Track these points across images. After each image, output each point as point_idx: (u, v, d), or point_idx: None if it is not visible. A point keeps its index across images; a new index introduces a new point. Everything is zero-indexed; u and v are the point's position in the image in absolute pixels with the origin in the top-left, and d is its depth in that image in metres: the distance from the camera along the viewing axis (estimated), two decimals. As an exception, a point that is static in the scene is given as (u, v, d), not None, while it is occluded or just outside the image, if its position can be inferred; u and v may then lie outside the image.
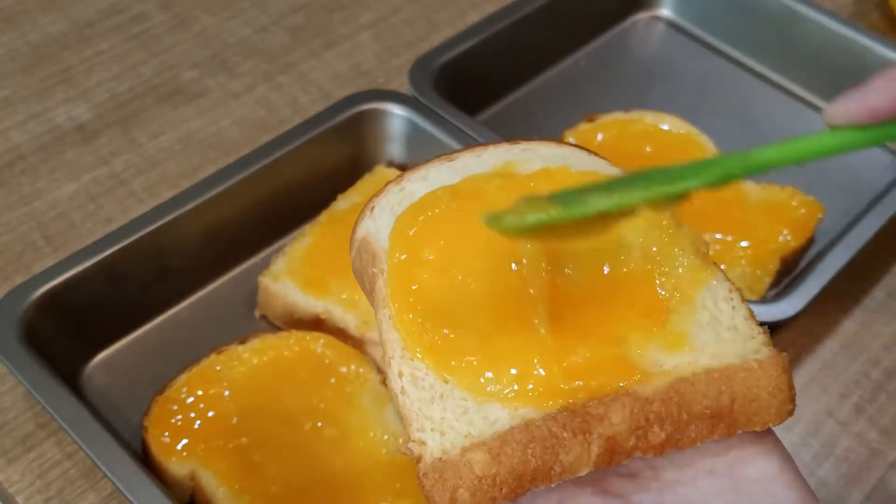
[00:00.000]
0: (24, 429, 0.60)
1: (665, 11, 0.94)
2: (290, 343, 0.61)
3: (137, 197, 0.72)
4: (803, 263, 0.71)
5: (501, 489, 0.32)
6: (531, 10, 0.83)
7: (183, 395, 0.58)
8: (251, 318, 0.67)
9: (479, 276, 0.37)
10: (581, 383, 0.34)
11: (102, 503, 0.57)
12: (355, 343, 0.62)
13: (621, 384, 0.34)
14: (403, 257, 0.37)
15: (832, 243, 0.68)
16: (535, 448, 0.33)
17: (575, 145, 0.43)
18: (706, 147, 0.75)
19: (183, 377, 0.59)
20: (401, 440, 0.35)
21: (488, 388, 0.34)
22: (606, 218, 0.33)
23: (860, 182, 0.79)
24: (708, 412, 0.34)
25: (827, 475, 0.61)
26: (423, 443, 0.34)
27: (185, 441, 0.56)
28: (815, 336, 0.68)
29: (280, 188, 0.70)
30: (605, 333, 0.35)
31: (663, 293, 0.37)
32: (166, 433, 0.57)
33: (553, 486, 0.33)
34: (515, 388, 0.34)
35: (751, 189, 0.73)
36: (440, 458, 0.33)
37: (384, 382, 0.60)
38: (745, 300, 0.37)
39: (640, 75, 0.89)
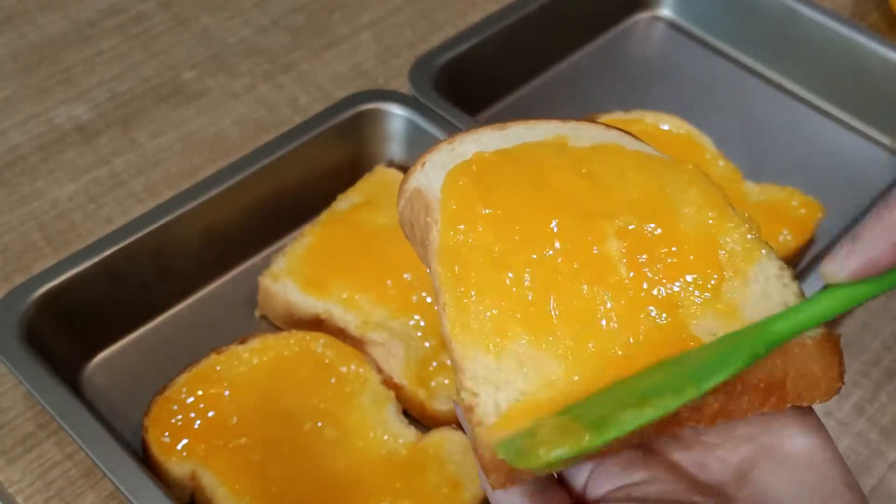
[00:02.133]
0: (24, 429, 0.60)
1: (665, 11, 0.94)
2: (290, 343, 0.61)
3: (137, 197, 0.72)
4: (803, 263, 0.71)
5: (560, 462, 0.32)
6: (531, 9, 0.83)
7: (183, 395, 0.58)
8: (251, 318, 0.67)
9: (535, 234, 0.36)
10: (639, 350, 0.34)
11: (102, 503, 0.57)
12: (355, 343, 0.62)
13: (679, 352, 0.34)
14: (457, 208, 0.37)
15: (832, 243, 0.68)
16: None
17: (622, 130, 0.43)
18: (706, 147, 0.75)
19: (183, 377, 0.59)
20: (454, 391, 0.35)
21: (544, 345, 0.34)
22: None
23: (860, 182, 0.79)
24: (762, 384, 0.34)
25: (827, 475, 0.61)
26: (475, 394, 0.33)
27: (185, 441, 0.56)
28: (815, 336, 0.68)
29: (280, 188, 0.70)
30: (664, 299, 0.35)
31: (719, 265, 0.36)
32: (166, 433, 0.57)
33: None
34: (573, 349, 0.34)
35: (751, 189, 0.73)
36: (499, 430, 0.32)
37: (384, 382, 0.61)
38: (796, 278, 0.37)
39: (640, 75, 0.89)
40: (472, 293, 0.35)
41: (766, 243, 0.38)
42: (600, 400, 0.33)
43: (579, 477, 0.35)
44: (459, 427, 0.59)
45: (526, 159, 0.39)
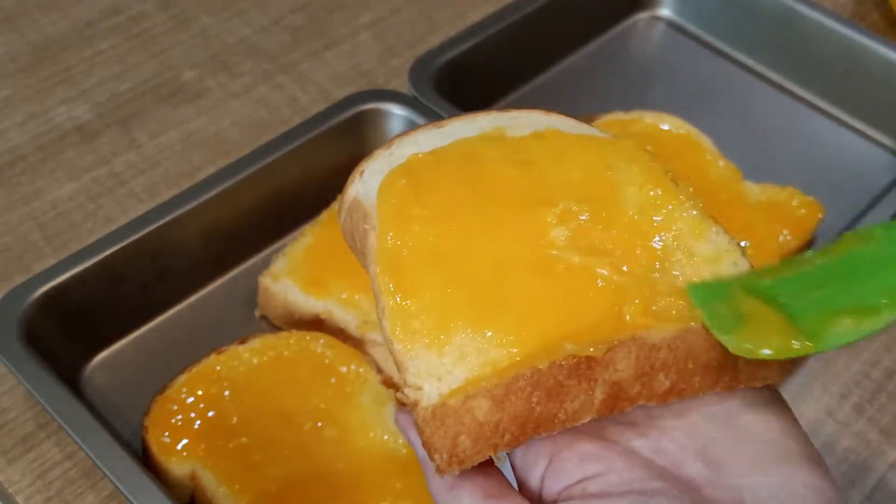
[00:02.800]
0: (24, 429, 0.60)
1: (665, 11, 0.94)
2: (290, 343, 0.61)
3: (137, 197, 0.72)
4: (803, 263, 0.71)
5: (504, 436, 0.32)
6: (531, 9, 0.83)
7: (183, 395, 0.58)
8: (251, 318, 0.67)
9: (474, 229, 0.36)
10: (585, 337, 0.33)
11: (102, 503, 0.57)
12: (355, 343, 0.62)
13: (626, 334, 0.33)
14: (393, 211, 0.37)
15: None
16: (539, 395, 0.32)
17: (563, 113, 0.42)
18: (706, 147, 0.75)
19: (183, 377, 0.59)
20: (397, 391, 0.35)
21: (487, 334, 0.34)
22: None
23: (860, 182, 0.79)
24: (714, 363, 0.33)
25: (827, 475, 0.61)
26: (419, 388, 0.33)
27: (185, 441, 0.56)
28: (815, 336, 0.68)
29: (280, 188, 0.70)
30: (610, 283, 0.35)
31: (664, 243, 0.36)
32: (166, 433, 0.57)
33: (555, 433, 0.33)
34: (518, 334, 0.34)
35: (751, 189, 0.73)
36: (441, 405, 0.32)
37: (384, 382, 0.61)
38: (746, 256, 0.37)
39: (640, 75, 0.89)
40: (411, 294, 0.35)
41: (714, 218, 0.37)
42: (786, 293, 0.33)
43: (535, 474, 0.34)
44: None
45: (462, 155, 0.39)
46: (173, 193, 0.67)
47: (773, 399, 0.35)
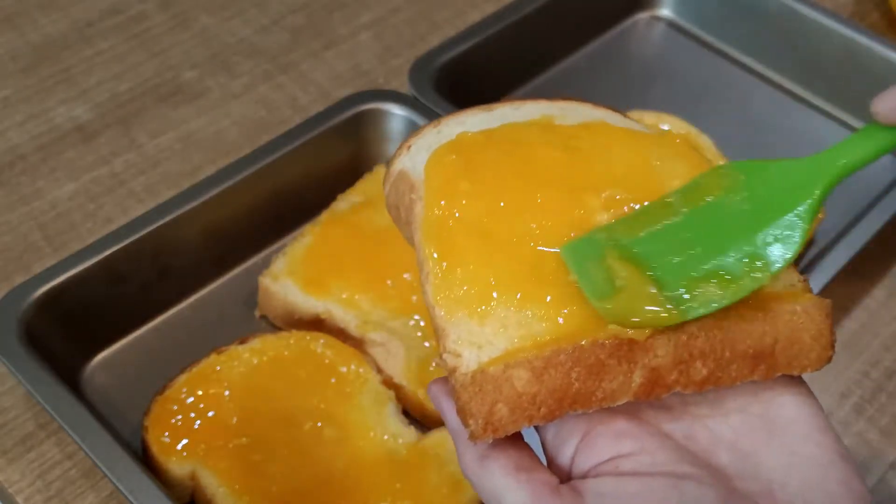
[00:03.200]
0: (24, 429, 0.60)
1: (665, 11, 0.94)
2: (290, 343, 0.61)
3: (137, 197, 0.72)
4: (803, 264, 0.71)
5: (540, 409, 0.32)
6: (531, 9, 0.83)
7: (183, 395, 0.58)
8: (251, 318, 0.67)
9: (520, 206, 0.36)
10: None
11: (102, 503, 0.57)
12: (355, 343, 0.62)
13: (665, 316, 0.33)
14: (442, 183, 0.37)
15: (832, 243, 0.68)
16: (579, 372, 0.32)
17: (611, 108, 0.43)
18: (706, 147, 0.75)
19: (183, 377, 0.59)
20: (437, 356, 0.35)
21: (529, 309, 0.34)
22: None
23: (860, 182, 0.78)
24: (751, 351, 0.33)
25: (827, 475, 0.61)
26: (458, 355, 0.33)
27: (185, 441, 0.56)
28: (815, 336, 0.68)
29: (280, 188, 0.70)
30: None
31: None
32: (166, 433, 0.57)
33: (591, 411, 0.33)
34: (559, 312, 0.34)
35: (751, 189, 0.73)
36: (481, 371, 0.32)
37: (384, 382, 0.61)
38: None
39: (640, 75, 0.89)
40: (455, 262, 0.35)
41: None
42: (655, 253, 0.34)
43: (566, 450, 0.34)
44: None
45: (511, 137, 0.39)
46: (173, 193, 0.67)
47: (806, 394, 0.35)
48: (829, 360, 0.35)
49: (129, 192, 0.73)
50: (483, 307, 0.34)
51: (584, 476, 0.33)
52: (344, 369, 0.60)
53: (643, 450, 0.33)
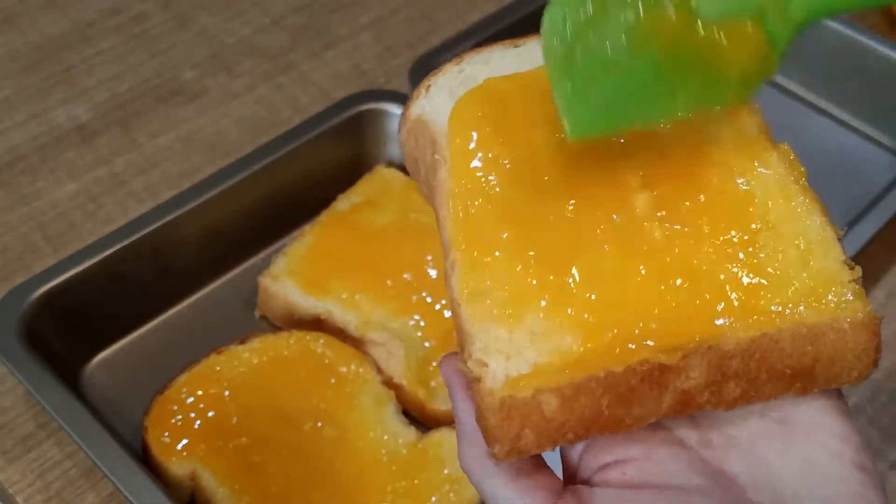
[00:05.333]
0: (24, 429, 0.60)
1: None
2: (290, 343, 0.61)
3: (137, 197, 0.72)
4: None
5: (566, 434, 0.31)
6: (531, 10, 0.83)
7: (183, 395, 0.58)
8: (251, 318, 0.67)
9: (555, 183, 0.33)
10: (663, 329, 0.31)
11: (102, 503, 0.57)
12: (355, 343, 0.62)
13: (701, 334, 0.31)
14: (470, 147, 0.33)
15: (832, 243, 0.68)
16: (609, 399, 0.30)
17: None
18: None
19: (183, 377, 0.59)
20: (462, 356, 0.32)
21: (561, 316, 0.31)
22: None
23: (860, 182, 0.79)
24: (788, 372, 0.31)
25: (827, 475, 0.61)
26: (484, 364, 0.31)
27: (185, 441, 0.56)
28: (815, 336, 0.68)
29: (280, 188, 0.70)
30: (688, 268, 0.32)
31: (754, 225, 0.33)
32: (166, 433, 0.57)
33: (617, 435, 0.31)
34: (592, 322, 0.31)
35: (751, 189, 0.73)
36: (510, 396, 0.30)
37: (384, 382, 0.60)
38: (839, 237, 0.33)
39: (640, 75, 0.89)
40: (486, 253, 0.32)
41: (810, 193, 0.34)
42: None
43: (573, 452, 0.33)
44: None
45: (543, 88, 0.33)
46: (173, 193, 0.67)
47: (831, 399, 0.33)
48: (869, 376, 0.32)
49: (129, 192, 0.73)
50: (513, 312, 0.31)
51: (591, 477, 0.32)
52: (344, 369, 0.60)
53: (652, 456, 0.32)
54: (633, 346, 0.31)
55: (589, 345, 0.31)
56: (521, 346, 0.31)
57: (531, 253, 0.32)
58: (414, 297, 0.63)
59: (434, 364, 0.62)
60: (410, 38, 0.86)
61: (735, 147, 0.34)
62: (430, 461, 0.57)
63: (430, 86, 0.37)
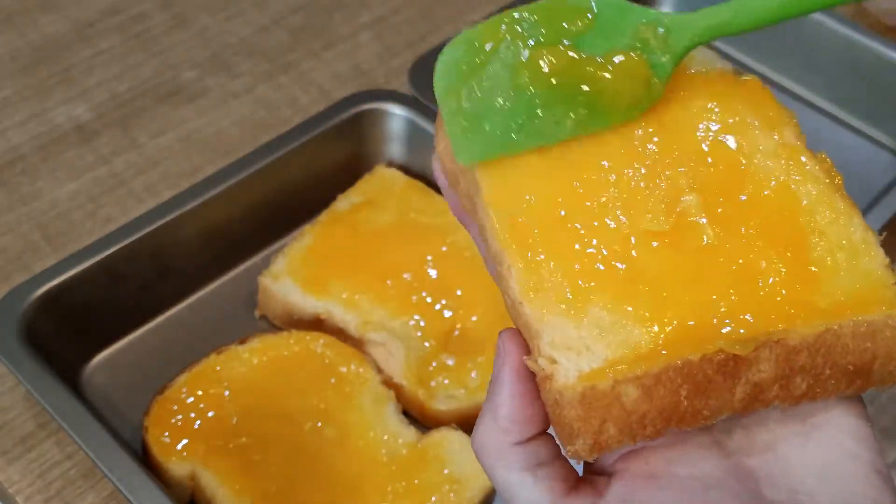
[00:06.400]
0: (24, 429, 0.60)
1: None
2: (290, 343, 0.61)
3: (137, 197, 0.72)
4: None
5: (646, 428, 0.30)
6: (531, 10, 0.82)
7: (183, 395, 0.58)
8: (251, 318, 0.67)
9: (602, 182, 0.34)
10: (732, 321, 0.32)
11: (102, 503, 0.57)
12: (355, 343, 0.62)
13: (773, 329, 0.32)
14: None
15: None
16: (688, 389, 0.30)
17: None
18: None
19: (183, 377, 0.59)
20: (531, 355, 0.32)
21: (626, 308, 0.31)
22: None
23: (860, 182, 0.79)
24: (851, 368, 0.32)
25: (827, 475, 0.61)
26: (554, 361, 0.31)
27: (185, 441, 0.56)
28: (815, 336, 0.68)
29: (280, 188, 0.70)
30: (747, 263, 0.33)
31: (802, 228, 0.34)
32: (166, 433, 0.57)
33: (693, 428, 0.31)
34: (656, 312, 0.31)
35: (751, 189, 0.73)
36: (591, 387, 0.30)
37: (384, 382, 0.60)
38: (880, 241, 0.34)
39: (640, 75, 0.89)
40: (541, 252, 0.32)
41: (848, 198, 0.35)
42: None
43: None
44: (459, 427, 0.59)
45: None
46: (173, 193, 0.67)
47: (852, 402, 0.33)
48: None
49: (129, 192, 0.73)
50: (577, 305, 0.31)
51: (611, 464, 0.32)
52: (344, 369, 0.60)
53: (675, 447, 0.32)
54: (700, 339, 0.31)
55: (661, 336, 0.31)
56: (591, 341, 0.31)
57: (588, 251, 0.32)
58: (414, 297, 0.63)
59: (434, 364, 0.62)
60: (410, 38, 0.86)
61: (776, 154, 0.35)
62: (430, 461, 0.57)
63: None
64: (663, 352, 0.31)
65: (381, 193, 0.70)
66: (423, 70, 0.76)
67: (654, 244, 0.33)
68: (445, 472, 0.56)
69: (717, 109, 0.37)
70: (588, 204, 0.33)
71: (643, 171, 0.34)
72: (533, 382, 0.32)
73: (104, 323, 0.65)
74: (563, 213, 0.33)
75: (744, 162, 0.35)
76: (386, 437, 0.58)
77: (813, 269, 0.33)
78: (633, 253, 0.33)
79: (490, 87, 0.33)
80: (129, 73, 0.82)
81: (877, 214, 0.68)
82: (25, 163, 0.75)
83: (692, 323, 0.32)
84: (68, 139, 0.77)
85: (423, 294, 0.64)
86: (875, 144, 0.83)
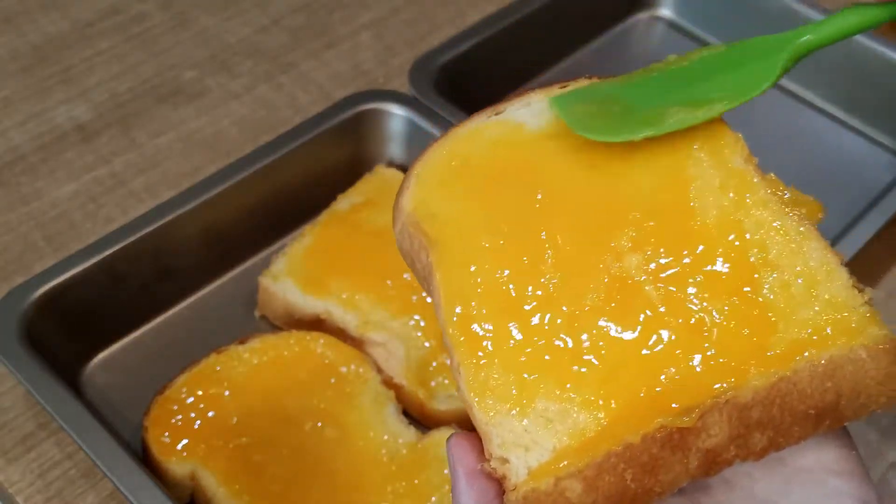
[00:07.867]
0: (24, 429, 0.60)
1: (665, 11, 0.94)
2: (290, 343, 0.61)
3: (137, 197, 0.72)
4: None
5: None
6: (531, 10, 0.83)
7: (183, 395, 0.58)
8: (251, 318, 0.67)
9: (543, 258, 0.33)
10: (675, 391, 0.31)
11: (102, 503, 0.57)
12: (355, 343, 0.62)
13: (716, 388, 0.31)
14: (458, 246, 0.34)
15: (832, 243, 0.67)
16: (633, 472, 0.30)
17: None
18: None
19: (183, 377, 0.59)
20: (486, 457, 0.32)
21: (571, 395, 0.31)
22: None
23: (860, 182, 0.79)
24: (813, 412, 0.30)
25: (827, 475, 0.61)
26: (505, 461, 0.31)
27: (185, 441, 0.56)
28: (815, 336, 0.68)
29: (280, 188, 0.70)
30: (693, 323, 0.32)
31: (752, 266, 0.32)
32: (166, 433, 0.57)
33: None
34: (602, 393, 0.31)
35: (751, 189, 0.73)
36: (532, 490, 0.30)
37: (384, 382, 0.60)
38: (842, 261, 0.33)
39: (640, 75, 0.89)
40: (487, 345, 0.32)
41: (803, 217, 0.34)
42: (636, 96, 0.35)
43: None
44: (459, 427, 0.59)
45: (515, 162, 0.36)
46: (173, 193, 0.67)
47: (833, 434, 0.33)
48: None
49: (129, 192, 0.73)
50: (523, 401, 0.31)
51: None
52: (344, 369, 0.60)
53: None
54: (646, 414, 0.30)
55: (603, 419, 0.31)
56: (538, 434, 0.31)
57: (534, 338, 0.32)
58: (414, 297, 0.63)
59: (434, 364, 0.62)
60: (410, 38, 0.86)
61: (722, 185, 0.34)
62: (430, 461, 0.57)
63: (419, 173, 0.37)
64: (608, 433, 0.30)
65: (381, 193, 0.70)
66: (423, 70, 0.76)
67: (600, 322, 0.32)
68: (445, 472, 0.56)
69: (666, 147, 0.35)
70: (530, 289, 0.33)
71: (588, 236, 0.33)
72: (491, 480, 0.32)
73: (104, 323, 0.65)
74: (512, 294, 0.33)
75: (691, 203, 0.34)
76: (386, 437, 0.58)
77: (767, 312, 0.32)
78: (579, 334, 0.32)
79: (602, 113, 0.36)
80: (129, 73, 0.82)
81: (877, 214, 0.68)
82: (25, 163, 0.75)
83: (642, 395, 0.31)
84: (68, 139, 0.77)
85: (423, 294, 0.64)
86: (875, 145, 0.83)
